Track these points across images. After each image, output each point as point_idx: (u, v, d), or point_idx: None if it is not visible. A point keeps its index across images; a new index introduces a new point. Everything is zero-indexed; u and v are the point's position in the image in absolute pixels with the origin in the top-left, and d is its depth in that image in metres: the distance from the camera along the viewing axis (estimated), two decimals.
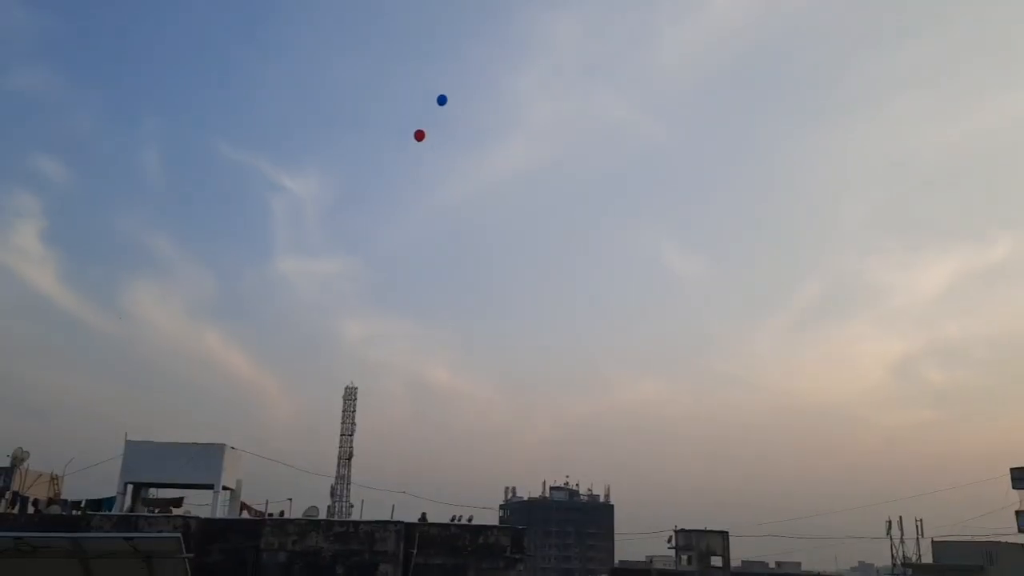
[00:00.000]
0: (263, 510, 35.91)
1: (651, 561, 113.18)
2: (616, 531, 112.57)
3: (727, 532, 55.97)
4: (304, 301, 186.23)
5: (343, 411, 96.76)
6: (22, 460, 34.71)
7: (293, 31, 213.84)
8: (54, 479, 36.94)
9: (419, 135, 32.82)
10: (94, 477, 35.51)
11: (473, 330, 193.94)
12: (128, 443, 33.66)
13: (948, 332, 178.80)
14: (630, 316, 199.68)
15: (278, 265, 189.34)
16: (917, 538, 64.59)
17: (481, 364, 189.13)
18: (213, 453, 33.97)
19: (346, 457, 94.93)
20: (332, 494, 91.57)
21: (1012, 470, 56.40)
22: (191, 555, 19.78)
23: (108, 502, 33.55)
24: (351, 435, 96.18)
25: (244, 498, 36.81)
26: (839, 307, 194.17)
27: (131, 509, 33.42)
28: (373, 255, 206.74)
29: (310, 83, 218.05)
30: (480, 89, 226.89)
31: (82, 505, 33.89)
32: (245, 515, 35.31)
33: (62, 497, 35.79)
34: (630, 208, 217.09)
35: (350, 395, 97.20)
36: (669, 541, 57.23)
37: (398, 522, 28.32)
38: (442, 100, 33.27)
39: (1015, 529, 54.99)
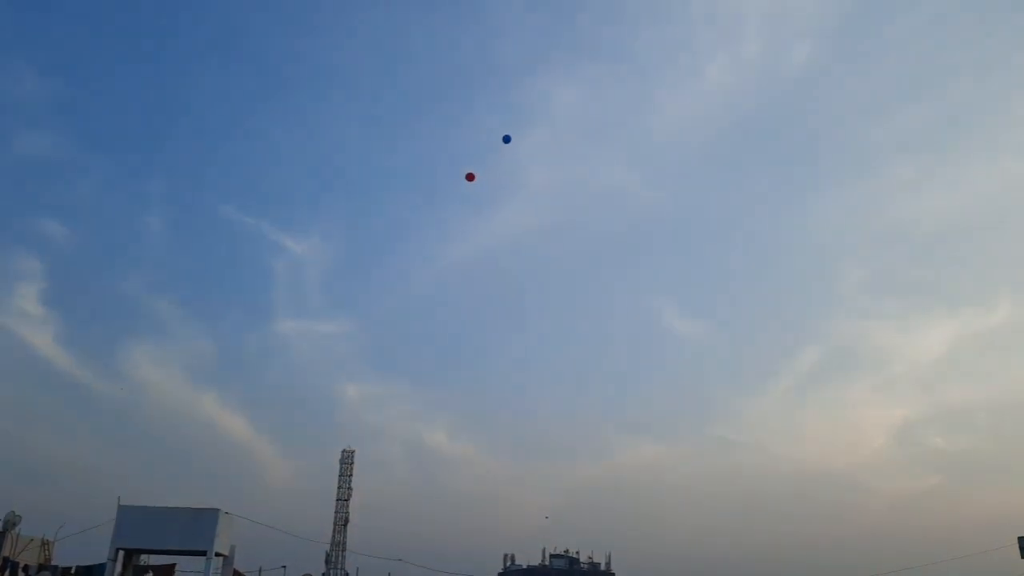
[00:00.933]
0: None
1: None
2: None
3: None
4: (303, 364, 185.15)
5: (339, 475, 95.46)
6: (14, 524, 34.23)
7: (298, 95, 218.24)
8: (45, 544, 36.37)
9: (470, 177, 34.67)
10: (86, 542, 34.97)
11: (472, 393, 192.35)
12: (120, 508, 33.26)
13: (950, 397, 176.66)
14: (631, 379, 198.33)
15: (278, 327, 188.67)
16: None
17: (480, 428, 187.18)
18: (206, 518, 33.53)
19: (342, 523, 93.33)
20: (327, 561, 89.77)
21: (1020, 539, 55.39)
22: None
23: (99, 568, 33.00)
24: (347, 500, 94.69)
25: (237, 565, 36.18)
26: (840, 371, 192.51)
27: None
28: (373, 317, 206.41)
29: (314, 145, 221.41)
30: (482, 154, 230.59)
31: (72, 572, 33.34)
32: None
33: (52, 563, 35.20)
34: (630, 271, 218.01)
35: (347, 459, 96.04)
36: None
37: None
38: (507, 139, 35.53)
39: None
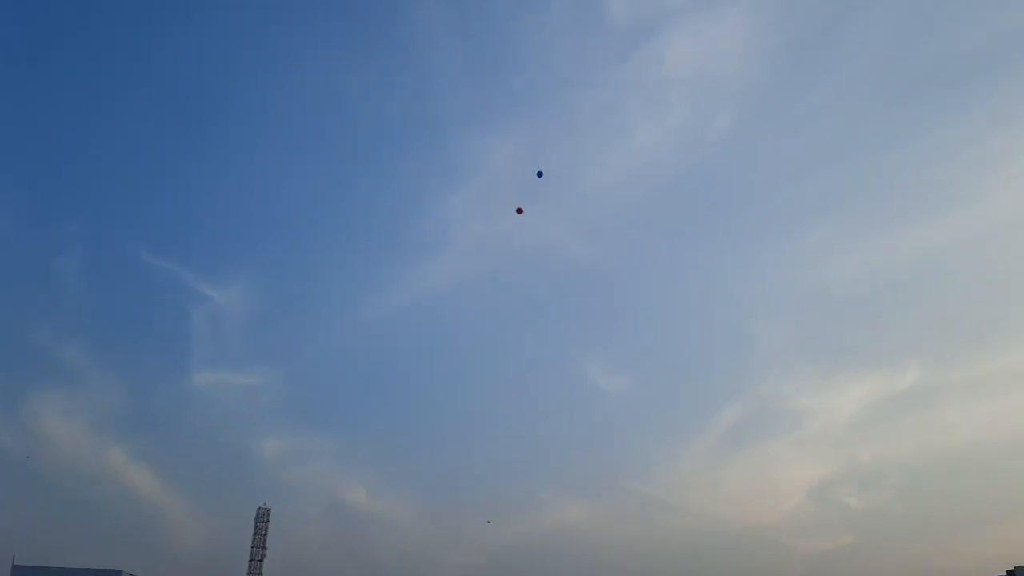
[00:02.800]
0: None
1: None
2: None
3: None
4: (220, 417, 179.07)
5: (254, 534, 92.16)
6: None
7: (224, 139, 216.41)
8: None
9: (519, 211, 38.04)
10: None
11: (395, 448, 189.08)
12: (15, 568, 31.48)
13: (863, 457, 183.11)
14: (556, 436, 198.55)
15: (195, 378, 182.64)
16: None
17: (403, 485, 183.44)
18: None
19: None
20: None
21: None
22: None
23: None
24: (261, 560, 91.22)
25: None
26: (759, 430, 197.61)
27: None
28: (295, 369, 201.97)
29: (240, 192, 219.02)
30: (411, 205, 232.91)
31: None
32: None
33: None
34: (557, 327, 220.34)
35: (262, 517, 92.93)
36: None
37: None
38: (540, 174, 38.81)
39: None
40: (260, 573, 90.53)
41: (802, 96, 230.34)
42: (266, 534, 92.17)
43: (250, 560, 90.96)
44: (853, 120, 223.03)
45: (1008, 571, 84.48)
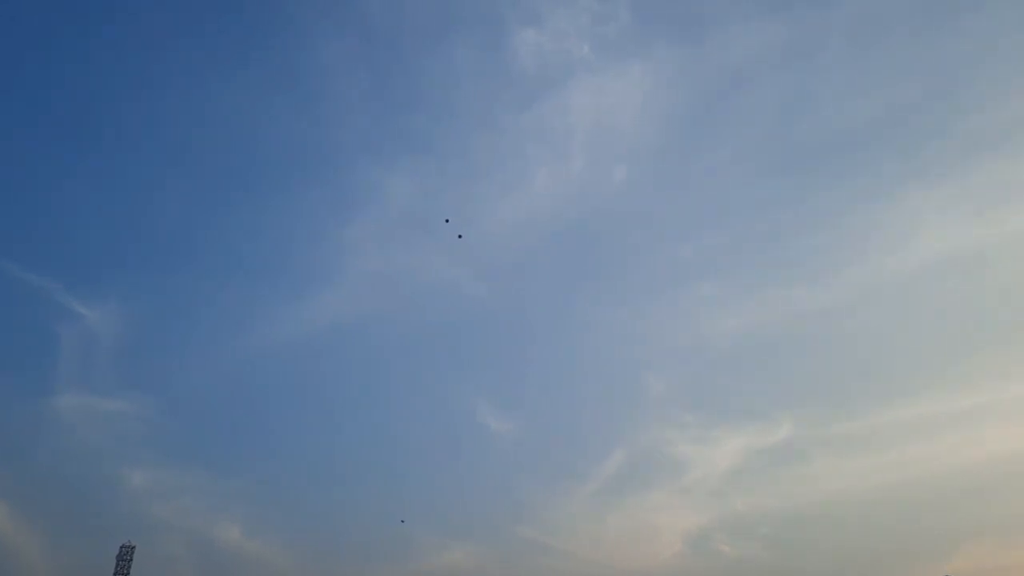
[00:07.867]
0: None
1: None
2: None
3: None
4: (83, 445, 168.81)
5: (115, 574, 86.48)
6: None
7: (113, 156, 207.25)
8: None
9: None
10: None
11: (273, 486, 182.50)
12: None
13: (737, 507, 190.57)
14: (443, 475, 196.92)
15: (57, 401, 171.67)
16: None
17: (280, 524, 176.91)
18: None
19: None
20: None
21: None
22: None
23: None
24: None
25: None
26: (642, 478, 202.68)
27: None
28: (170, 398, 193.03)
29: (123, 210, 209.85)
30: (308, 236, 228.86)
31: None
32: None
33: None
34: (449, 364, 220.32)
35: (125, 555, 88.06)
36: None
37: None
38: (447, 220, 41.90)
39: None
40: None
41: (694, 157, 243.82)
42: (128, 573, 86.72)
43: None
44: (740, 184, 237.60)
45: None
